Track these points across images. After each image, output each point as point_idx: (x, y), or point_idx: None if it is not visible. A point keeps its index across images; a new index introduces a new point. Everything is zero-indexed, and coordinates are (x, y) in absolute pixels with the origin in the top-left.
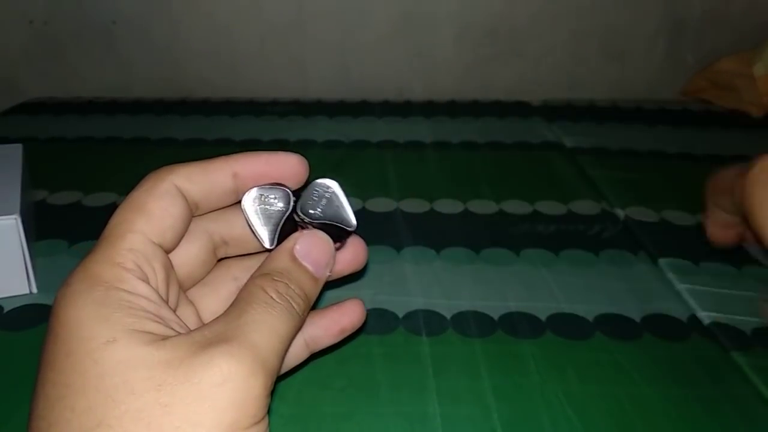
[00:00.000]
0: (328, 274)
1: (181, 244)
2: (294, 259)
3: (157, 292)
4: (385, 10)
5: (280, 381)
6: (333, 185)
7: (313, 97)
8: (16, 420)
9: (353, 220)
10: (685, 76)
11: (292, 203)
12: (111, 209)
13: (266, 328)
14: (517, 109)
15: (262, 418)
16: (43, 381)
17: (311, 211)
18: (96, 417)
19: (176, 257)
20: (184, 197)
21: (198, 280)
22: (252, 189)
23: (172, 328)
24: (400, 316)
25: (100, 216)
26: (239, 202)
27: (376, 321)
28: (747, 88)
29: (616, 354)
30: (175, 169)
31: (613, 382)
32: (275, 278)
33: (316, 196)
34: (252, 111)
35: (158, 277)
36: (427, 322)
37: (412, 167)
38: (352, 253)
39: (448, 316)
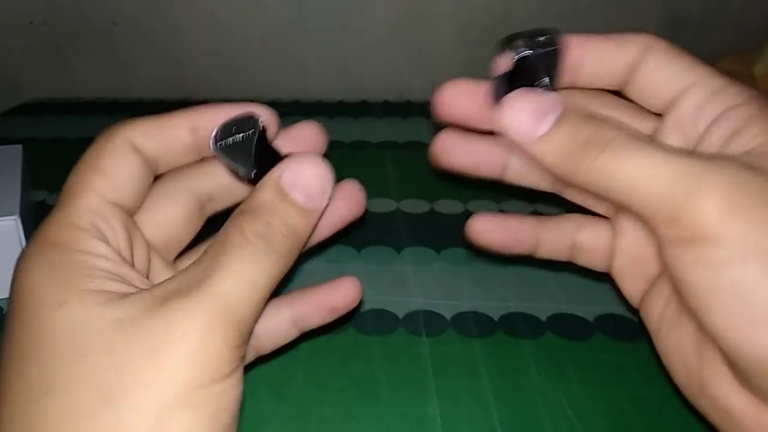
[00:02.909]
0: (326, 203)
1: (160, 206)
2: (279, 191)
3: (118, 253)
4: (385, 10)
5: (277, 373)
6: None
7: (313, 98)
8: None
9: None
10: None
11: (260, 127)
12: None
13: (234, 275)
14: None
15: (230, 374)
16: (1, 357)
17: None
18: (45, 383)
19: (156, 221)
20: (140, 153)
21: (186, 243)
22: (217, 126)
23: (134, 286)
24: (400, 316)
25: None
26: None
27: (376, 321)
28: None
29: (616, 354)
30: (128, 124)
31: (613, 383)
32: (255, 215)
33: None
34: None
35: (119, 237)
36: (427, 323)
37: (412, 167)
38: (345, 200)
39: (448, 317)
